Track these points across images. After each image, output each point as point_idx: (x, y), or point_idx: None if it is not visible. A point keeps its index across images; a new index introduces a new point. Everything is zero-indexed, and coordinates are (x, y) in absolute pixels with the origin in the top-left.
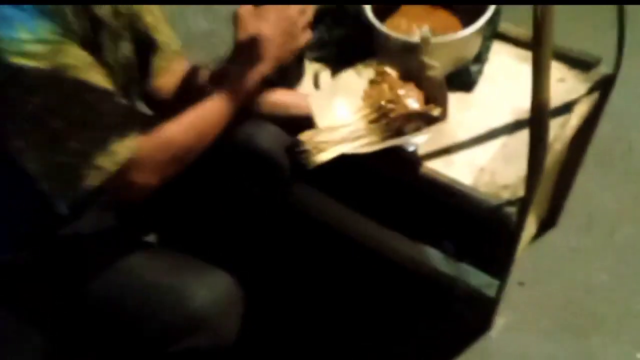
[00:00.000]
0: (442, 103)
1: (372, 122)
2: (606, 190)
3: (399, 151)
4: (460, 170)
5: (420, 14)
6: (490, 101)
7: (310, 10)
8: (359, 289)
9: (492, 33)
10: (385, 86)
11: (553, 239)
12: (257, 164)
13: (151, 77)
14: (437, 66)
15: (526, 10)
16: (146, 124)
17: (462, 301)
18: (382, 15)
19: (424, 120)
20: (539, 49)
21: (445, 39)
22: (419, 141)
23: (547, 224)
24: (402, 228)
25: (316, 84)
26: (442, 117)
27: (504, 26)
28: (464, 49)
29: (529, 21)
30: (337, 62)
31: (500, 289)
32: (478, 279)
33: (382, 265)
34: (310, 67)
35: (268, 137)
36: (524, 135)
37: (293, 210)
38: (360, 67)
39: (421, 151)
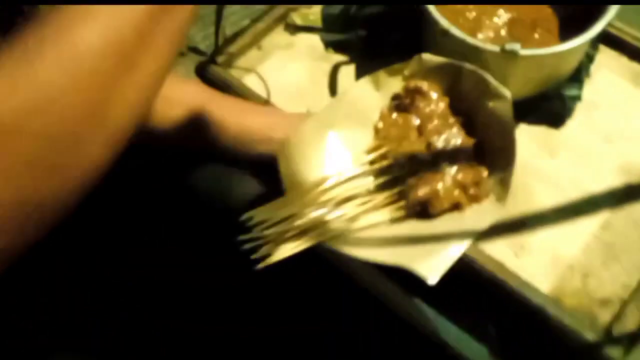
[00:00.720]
0: (504, 164)
1: (379, 184)
2: None
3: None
4: (536, 263)
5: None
6: (588, 146)
7: None
8: None
9: (599, 37)
10: (411, 118)
11: None
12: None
13: None
14: (508, 97)
15: None
16: None
17: None
18: None
19: (465, 191)
20: None
21: (537, 51)
22: (448, 262)
23: None
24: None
25: (333, 88)
26: (500, 195)
27: (615, 25)
28: (560, 64)
29: None
30: (368, 56)
31: None
32: None
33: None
34: (326, 59)
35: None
36: (638, 212)
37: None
38: (382, 74)
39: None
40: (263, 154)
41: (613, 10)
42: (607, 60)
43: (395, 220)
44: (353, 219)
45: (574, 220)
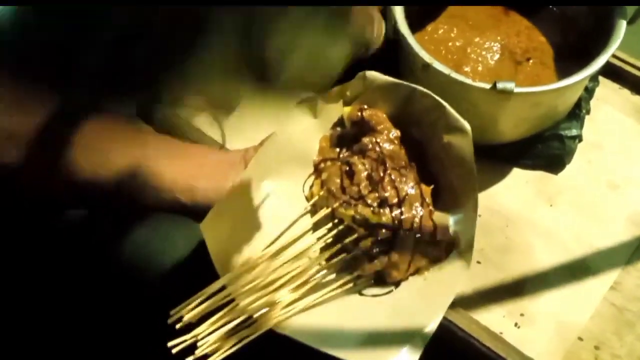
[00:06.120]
0: (464, 211)
1: (326, 251)
2: None
3: None
4: (540, 335)
5: (482, 22)
6: (592, 194)
7: None
8: None
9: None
10: (357, 163)
11: None
12: None
13: None
14: (468, 130)
15: None
16: None
17: None
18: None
19: (426, 255)
20: None
21: (533, 89)
22: None
23: None
24: None
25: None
26: (464, 253)
27: (614, 54)
28: (558, 102)
29: None
30: None
31: None
32: None
33: None
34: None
35: None
36: None
37: None
38: (320, 99)
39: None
40: (187, 205)
41: (618, 39)
42: (607, 94)
43: (348, 293)
44: (300, 298)
45: (580, 281)
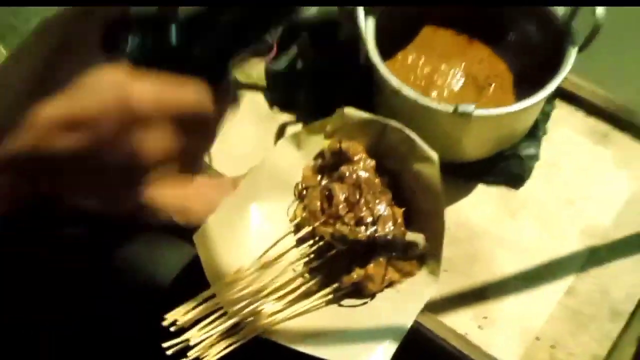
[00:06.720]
0: (433, 230)
1: (309, 266)
2: None
3: None
4: (502, 335)
5: (447, 50)
6: (549, 208)
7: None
8: None
9: (555, 92)
10: (336, 188)
11: None
12: None
13: None
14: (435, 160)
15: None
16: None
17: None
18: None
19: (399, 270)
20: None
21: (491, 112)
22: None
23: None
24: None
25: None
26: (433, 268)
27: (570, 79)
28: (516, 123)
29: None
30: (315, 115)
31: None
32: None
33: None
34: (272, 119)
35: None
36: (604, 276)
37: None
38: (303, 133)
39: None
40: (180, 225)
41: (568, 65)
42: (563, 116)
43: (328, 303)
44: (285, 307)
45: (538, 287)
